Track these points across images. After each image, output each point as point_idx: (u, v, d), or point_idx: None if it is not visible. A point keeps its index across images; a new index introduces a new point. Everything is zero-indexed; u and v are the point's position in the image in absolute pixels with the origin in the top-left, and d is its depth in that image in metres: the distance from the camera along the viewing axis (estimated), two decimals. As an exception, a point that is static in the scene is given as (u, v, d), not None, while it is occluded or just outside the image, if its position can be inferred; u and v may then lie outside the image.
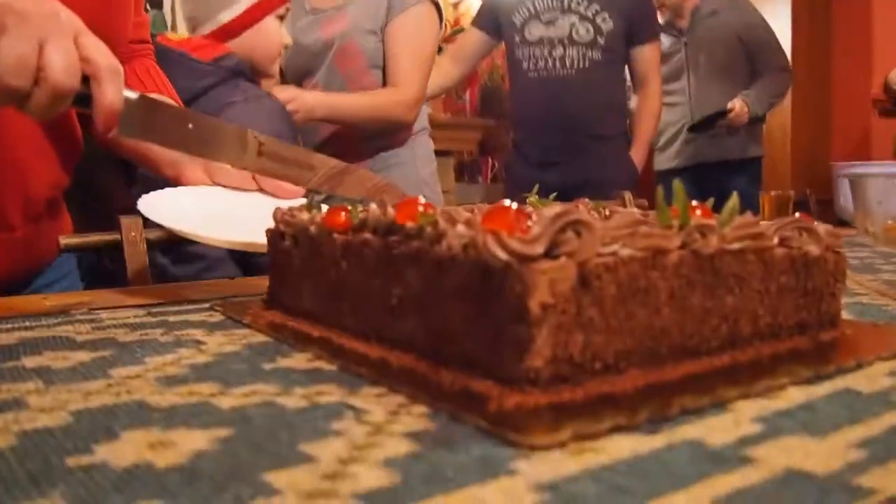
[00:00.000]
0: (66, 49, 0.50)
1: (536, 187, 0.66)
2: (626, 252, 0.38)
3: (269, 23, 1.40)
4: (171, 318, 0.61)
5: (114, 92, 0.52)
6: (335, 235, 0.51)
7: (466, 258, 0.38)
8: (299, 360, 0.45)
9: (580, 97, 2.16)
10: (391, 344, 0.45)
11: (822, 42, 3.87)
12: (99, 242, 0.89)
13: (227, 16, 1.37)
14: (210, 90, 1.28)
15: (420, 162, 1.75)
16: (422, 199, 0.45)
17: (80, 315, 0.63)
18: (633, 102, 2.42)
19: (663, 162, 2.86)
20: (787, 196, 1.13)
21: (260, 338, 0.52)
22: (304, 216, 0.57)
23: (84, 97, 0.52)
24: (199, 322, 0.59)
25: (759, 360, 0.42)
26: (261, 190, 0.83)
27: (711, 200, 0.46)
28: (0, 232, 0.79)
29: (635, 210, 0.62)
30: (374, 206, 0.49)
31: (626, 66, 2.28)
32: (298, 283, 0.57)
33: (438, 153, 1.96)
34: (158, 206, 0.72)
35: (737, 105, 2.59)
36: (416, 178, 1.72)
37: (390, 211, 0.46)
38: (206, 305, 0.66)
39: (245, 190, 0.79)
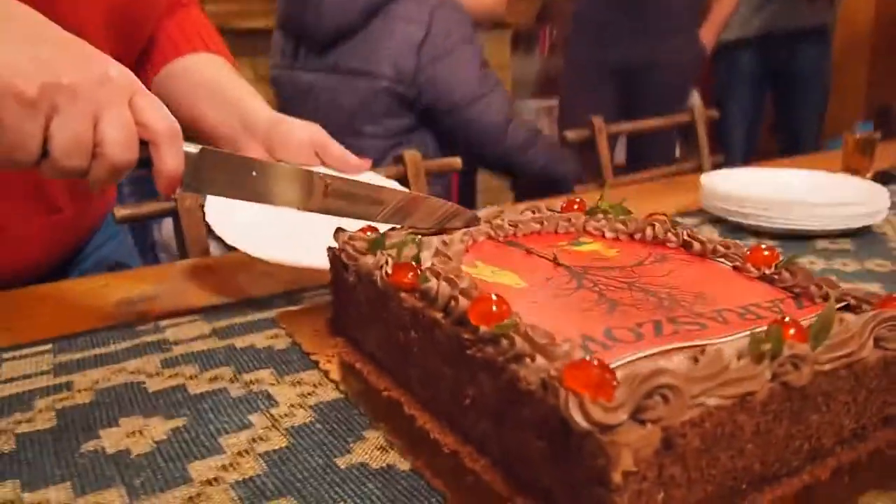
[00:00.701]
0: (122, 119, 0.47)
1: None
2: (713, 401, 0.36)
3: None
4: (238, 343, 0.62)
5: (173, 156, 0.49)
6: (403, 295, 0.50)
7: (544, 397, 0.37)
8: (372, 449, 0.46)
9: None
10: (464, 437, 0.45)
11: None
12: (154, 213, 0.89)
13: None
14: None
15: None
16: (493, 297, 0.43)
17: (147, 335, 0.64)
18: None
19: (726, 31, 2.49)
20: (873, 139, 1.05)
21: (331, 393, 0.53)
22: (369, 260, 0.55)
23: (143, 160, 0.50)
24: (267, 354, 0.59)
25: (839, 471, 0.42)
26: (324, 164, 0.81)
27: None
28: (49, 214, 0.79)
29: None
30: (443, 283, 0.47)
31: None
32: (364, 322, 0.57)
33: (494, 26, 1.91)
34: (224, 214, 0.70)
35: None
36: None
37: (462, 301, 0.44)
38: (271, 315, 0.67)
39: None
